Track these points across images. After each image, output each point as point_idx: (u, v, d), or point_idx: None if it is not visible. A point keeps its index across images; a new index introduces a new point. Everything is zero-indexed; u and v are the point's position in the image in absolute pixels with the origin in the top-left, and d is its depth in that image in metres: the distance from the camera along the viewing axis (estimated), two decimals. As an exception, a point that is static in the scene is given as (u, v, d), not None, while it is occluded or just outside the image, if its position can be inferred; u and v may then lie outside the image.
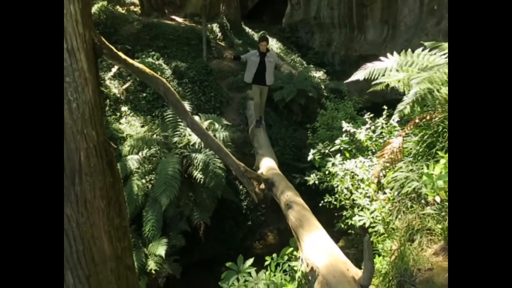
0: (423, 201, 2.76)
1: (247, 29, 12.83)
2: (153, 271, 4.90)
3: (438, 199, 2.09)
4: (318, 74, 10.49)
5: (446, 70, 3.42)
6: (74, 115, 2.19)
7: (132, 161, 5.71)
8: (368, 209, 4.04)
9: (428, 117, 3.86)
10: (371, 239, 3.86)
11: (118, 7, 10.95)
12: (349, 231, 4.81)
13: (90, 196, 2.34)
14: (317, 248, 2.51)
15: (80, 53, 2.17)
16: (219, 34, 11.25)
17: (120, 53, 2.71)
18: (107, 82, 7.27)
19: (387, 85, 4.19)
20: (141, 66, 2.84)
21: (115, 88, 7.35)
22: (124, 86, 7.45)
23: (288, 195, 3.74)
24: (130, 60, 2.74)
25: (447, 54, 4.07)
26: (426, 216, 2.27)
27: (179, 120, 6.46)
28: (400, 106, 3.76)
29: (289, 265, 3.20)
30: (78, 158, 2.23)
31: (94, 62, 2.39)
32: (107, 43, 2.63)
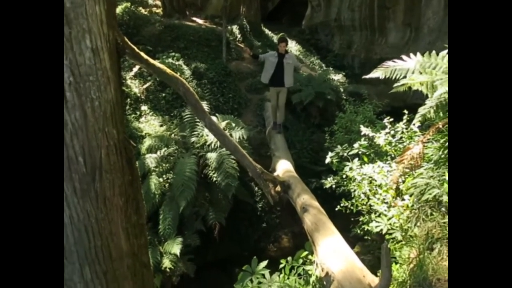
0: (443, 209, 2.69)
1: (267, 31, 12.84)
2: (167, 269, 4.96)
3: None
4: (337, 77, 10.39)
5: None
6: (96, 113, 2.23)
7: (151, 159, 5.81)
8: (386, 215, 3.96)
9: (451, 123, 3.74)
10: (388, 246, 3.78)
11: (141, 8, 11.18)
12: (366, 237, 4.73)
13: (109, 193, 2.38)
14: (333, 253, 2.47)
15: (103, 52, 2.21)
16: (239, 36, 11.30)
17: (142, 53, 2.75)
18: (128, 81, 7.42)
19: (409, 87, 4.10)
20: (162, 66, 2.88)
21: (135, 87, 7.50)
22: (145, 86, 7.59)
23: (304, 198, 3.71)
24: (151, 60, 2.78)
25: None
26: (446, 224, 2.20)
27: (197, 120, 6.53)
28: (422, 110, 3.67)
29: (303, 269, 3.17)
30: (99, 155, 2.27)
31: (117, 61, 2.44)
32: (129, 43, 2.68)
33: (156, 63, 2.87)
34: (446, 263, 1.97)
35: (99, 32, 2.18)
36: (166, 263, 4.91)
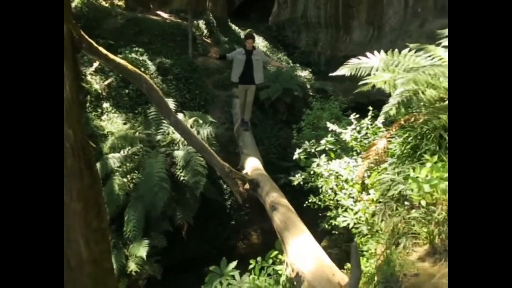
0: (407, 203, 2.77)
1: (234, 27, 12.72)
2: (133, 273, 4.78)
3: (423, 203, 2.08)
4: (304, 74, 10.50)
5: (431, 72, 3.44)
6: (49, 113, 2.07)
7: (113, 159, 5.56)
8: (352, 210, 4.05)
9: (412, 119, 3.88)
10: (355, 239, 3.86)
11: (101, 0, 10.66)
12: (333, 231, 4.81)
13: (66, 198, 2.23)
14: (302, 252, 2.48)
15: (56, 47, 2.05)
16: (205, 31, 11.11)
17: (101, 48, 2.60)
18: (88, 77, 7.05)
19: (373, 85, 4.20)
20: (123, 62, 2.74)
21: (96, 83, 7.14)
22: (106, 82, 7.25)
23: (273, 196, 3.70)
24: (111, 56, 2.63)
25: (432, 56, 4.12)
26: (411, 219, 2.26)
27: (163, 118, 6.33)
28: (385, 108, 3.77)
29: (273, 269, 3.16)
30: (53, 158, 2.11)
31: (72, 56, 2.28)
32: (86, 37, 2.52)
33: (117, 58, 2.72)
34: (412, 257, 2.02)
35: (51, 24, 2.02)
36: (132, 266, 4.74)
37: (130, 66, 2.83)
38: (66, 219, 2.30)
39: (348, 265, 3.52)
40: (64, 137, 2.19)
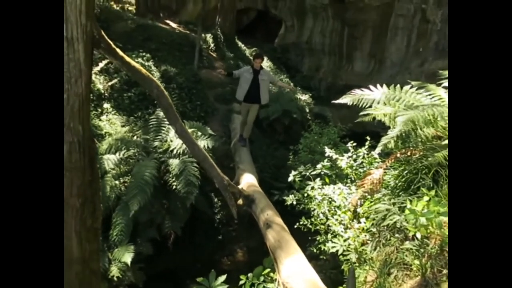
0: (398, 235, 2.80)
1: (240, 44, 12.96)
2: (115, 278, 4.68)
3: (419, 235, 2.13)
4: (304, 97, 10.68)
5: (430, 111, 3.56)
6: (63, 107, 2.10)
7: (108, 161, 5.53)
8: (342, 237, 4.06)
9: (409, 153, 3.97)
10: (342, 267, 3.86)
11: (113, 3, 10.83)
12: (320, 257, 4.79)
13: (66, 193, 2.23)
14: (296, 272, 2.48)
15: (79, 43, 2.10)
16: (212, 45, 11.30)
17: (118, 50, 2.66)
18: (93, 76, 7.08)
19: (374, 117, 4.31)
20: (137, 65, 2.80)
21: (100, 83, 7.17)
22: (110, 83, 7.28)
23: (268, 214, 3.71)
24: (127, 58, 2.69)
25: (432, 95, 4.26)
26: (404, 250, 2.30)
27: (162, 124, 6.35)
28: (384, 140, 3.87)
29: (264, 286, 3.14)
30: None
31: (90, 55, 2.33)
32: (106, 37, 2.58)
33: (132, 61, 2.78)
34: (402, 288, 2.05)
35: (77, 21, 2.08)
36: (114, 271, 4.64)
37: (143, 70, 2.89)
38: (64, 214, 2.28)
39: (334, 292, 3.51)
40: (72, 132, 2.21)
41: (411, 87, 4.37)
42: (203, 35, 10.64)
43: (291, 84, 12.08)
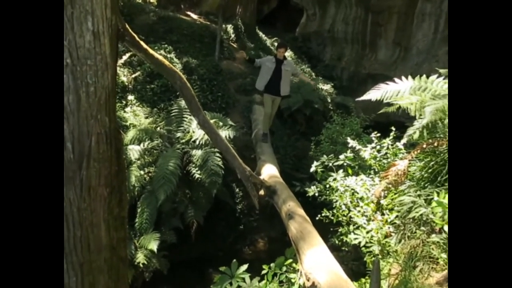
0: (424, 228, 2.74)
1: (261, 34, 12.86)
2: (141, 265, 4.83)
3: (446, 228, 2.07)
4: (326, 87, 10.51)
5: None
6: (91, 99, 2.16)
7: (133, 151, 5.67)
8: (365, 228, 4.01)
9: (435, 144, 3.85)
10: (364, 259, 3.83)
11: (135, -4, 10.96)
12: (342, 248, 4.77)
13: (95, 182, 2.30)
14: (319, 263, 2.48)
15: (105, 37, 2.14)
16: (233, 36, 11.27)
17: (142, 42, 2.69)
18: (117, 69, 7.24)
19: (398, 107, 4.19)
20: (160, 58, 2.82)
21: (123, 76, 7.32)
22: (133, 75, 7.42)
23: (290, 205, 3.71)
24: (150, 51, 2.72)
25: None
26: (430, 243, 2.25)
27: (185, 115, 6.44)
28: (410, 130, 3.77)
29: (286, 276, 3.16)
30: (88, 142, 2.19)
31: (116, 48, 2.36)
32: (130, 30, 2.61)
33: (155, 54, 2.81)
34: (428, 281, 2.01)
35: (102, 15, 2.11)
36: (140, 258, 4.79)
37: (166, 62, 2.91)
38: (92, 203, 2.37)
39: (355, 283, 3.49)
40: (100, 123, 2.27)
41: (439, 76, 4.22)
42: (223, 25, 10.62)
43: (313, 74, 11.92)
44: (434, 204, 2.13)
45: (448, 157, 2.80)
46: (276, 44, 10.74)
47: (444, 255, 2.06)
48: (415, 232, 2.52)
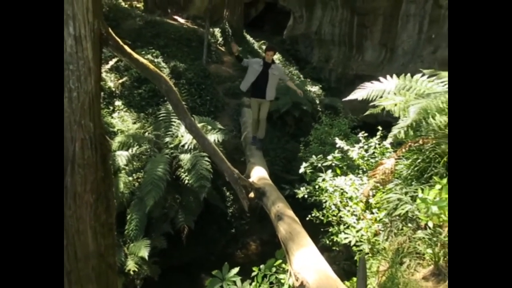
0: (411, 224, 2.78)
1: (248, 37, 12.90)
2: (131, 272, 4.78)
3: (431, 224, 2.10)
4: (314, 89, 10.59)
5: (443, 99, 3.49)
6: (74, 104, 2.14)
7: (121, 157, 5.62)
8: (354, 228, 4.04)
9: (421, 142, 3.91)
10: (355, 258, 3.85)
11: (121, 0, 10.89)
12: (333, 248, 4.79)
13: (80, 189, 2.28)
14: (307, 263, 2.49)
15: (87, 41, 2.13)
16: (220, 39, 11.28)
17: (126, 47, 2.68)
18: (103, 74, 7.17)
19: (383, 108, 4.25)
20: (145, 62, 2.81)
21: (111, 81, 7.26)
22: (120, 81, 7.37)
23: (279, 207, 3.72)
24: (135, 55, 2.71)
25: (445, 82, 4.17)
26: (416, 239, 2.28)
27: (172, 120, 6.41)
28: (395, 130, 3.82)
29: (276, 277, 3.16)
30: (72, 148, 2.17)
31: (99, 52, 2.35)
32: (113, 34, 2.59)
33: (140, 58, 2.80)
34: (415, 277, 2.04)
35: (84, 19, 2.10)
36: (131, 265, 4.74)
37: (151, 66, 2.90)
38: (78, 210, 2.34)
39: (347, 283, 3.51)
40: (84, 129, 2.25)
41: (423, 75, 4.29)
42: (211, 29, 10.63)
43: (301, 76, 12.00)
44: (418, 200, 2.16)
45: (448, 157, 2.84)
46: (264, 47, 10.78)
47: (430, 251, 2.10)
48: (402, 229, 2.55)
